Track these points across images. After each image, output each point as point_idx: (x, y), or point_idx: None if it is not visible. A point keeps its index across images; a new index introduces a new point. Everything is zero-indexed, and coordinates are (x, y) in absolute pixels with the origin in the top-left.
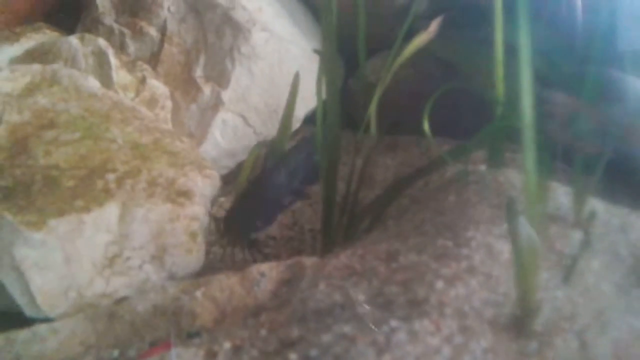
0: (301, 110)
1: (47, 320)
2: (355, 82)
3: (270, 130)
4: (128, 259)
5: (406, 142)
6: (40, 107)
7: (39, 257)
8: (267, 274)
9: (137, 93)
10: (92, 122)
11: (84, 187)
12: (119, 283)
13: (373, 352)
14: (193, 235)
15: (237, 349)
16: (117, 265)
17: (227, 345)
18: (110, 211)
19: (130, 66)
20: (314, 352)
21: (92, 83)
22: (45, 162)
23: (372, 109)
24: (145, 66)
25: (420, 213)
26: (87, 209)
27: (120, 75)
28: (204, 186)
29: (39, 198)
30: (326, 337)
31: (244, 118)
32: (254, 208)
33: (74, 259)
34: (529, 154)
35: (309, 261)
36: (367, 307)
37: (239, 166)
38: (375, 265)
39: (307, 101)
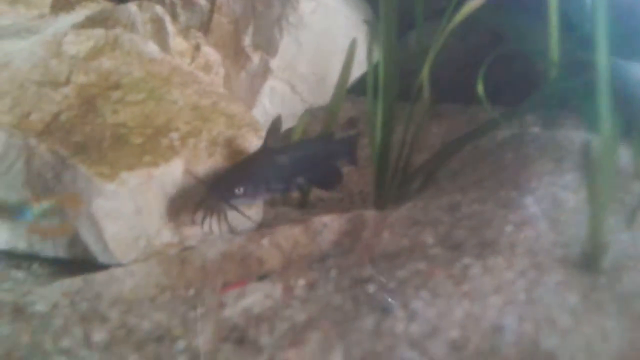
0: None
1: (119, 265)
2: (404, 48)
3: (317, 98)
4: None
5: (451, 110)
6: (105, 69)
7: (111, 207)
8: (329, 224)
9: (192, 59)
10: (154, 85)
11: (151, 144)
12: (185, 234)
13: (451, 283)
14: None
15: (311, 285)
16: (183, 217)
17: (301, 282)
18: (176, 167)
19: (185, 33)
20: (392, 284)
21: (152, 48)
22: (113, 120)
23: (425, 74)
24: (199, 34)
25: (476, 172)
26: (155, 164)
27: (176, 41)
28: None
29: (109, 153)
30: (401, 273)
31: (292, 86)
32: (240, 177)
33: (144, 210)
34: (605, 106)
35: (369, 214)
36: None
37: (287, 132)
38: (438, 215)
39: (353, 70)
